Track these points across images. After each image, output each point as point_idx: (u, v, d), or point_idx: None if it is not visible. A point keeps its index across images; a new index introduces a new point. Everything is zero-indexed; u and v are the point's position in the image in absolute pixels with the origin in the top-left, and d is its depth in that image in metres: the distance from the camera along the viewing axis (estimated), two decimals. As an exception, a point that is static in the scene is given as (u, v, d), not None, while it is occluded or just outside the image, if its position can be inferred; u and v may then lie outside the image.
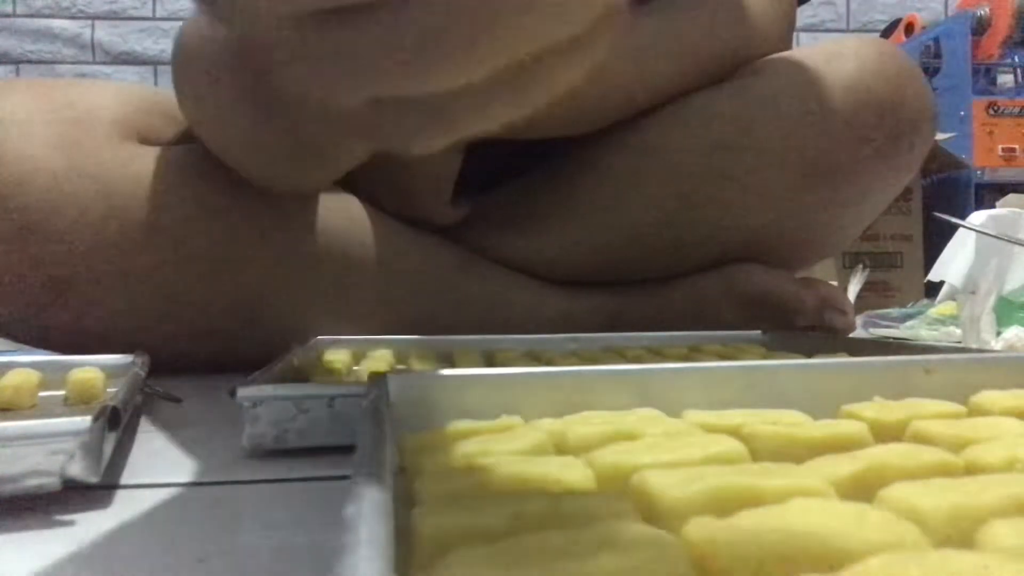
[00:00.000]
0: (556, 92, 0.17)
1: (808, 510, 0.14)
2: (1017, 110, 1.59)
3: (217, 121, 0.48)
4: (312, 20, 0.16)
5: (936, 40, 1.67)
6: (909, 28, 1.79)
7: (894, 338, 0.79)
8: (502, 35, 0.15)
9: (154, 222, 0.50)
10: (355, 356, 0.46)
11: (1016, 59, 1.66)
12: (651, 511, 0.15)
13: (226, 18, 0.18)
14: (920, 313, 0.87)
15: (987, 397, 0.25)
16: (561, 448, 0.21)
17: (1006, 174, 1.56)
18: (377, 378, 0.25)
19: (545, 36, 0.16)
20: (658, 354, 0.47)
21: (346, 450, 0.23)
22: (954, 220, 0.69)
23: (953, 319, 0.78)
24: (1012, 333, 0.62)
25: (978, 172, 1.56)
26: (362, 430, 0.19)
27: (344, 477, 0.19)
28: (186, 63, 0.48)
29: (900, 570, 0.11)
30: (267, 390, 0.29)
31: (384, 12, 0.15)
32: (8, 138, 0.50)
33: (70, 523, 0.22)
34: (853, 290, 0.95)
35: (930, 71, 1.62)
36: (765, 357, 0.47)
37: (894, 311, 0.93)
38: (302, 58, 0.17)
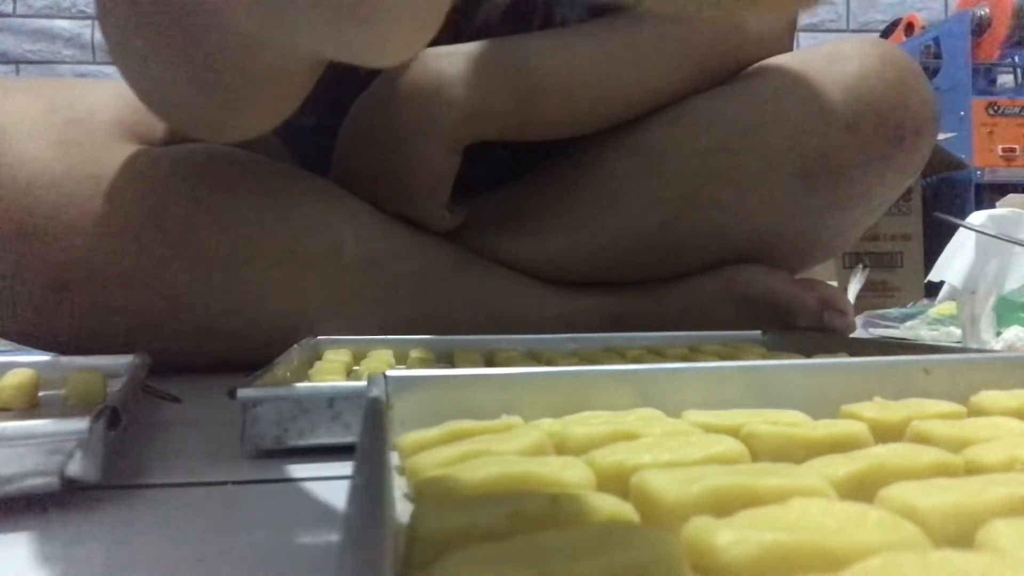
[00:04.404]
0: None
1: (808, 510, 0.14)
2: (1017, 110, 1.58)
3: (138, 67, 0.42)
4: None
5: (936, 40, 1.67)
6: (909, 28, 1.79)
7: (894, 338, 0.79)
8: None
9: (154, 222, 0.50)
10: (355, 356, 0.46)
11: (1016, 59, 1.66)
12: (651, 511, 0.15)
13: None
14: (920, 313, 0.87)
15: (987, 397, 0.25)
16: (561, 448, 0.21)
17: (1006, 174, 1.56)
18: (377, 378, 0.25)
19: None
20: (658, 354, 0.47)
21: (346, 450, 0.23)
22: (954, 220, 0.69)
23: (953, 319, 0.78)
24: (1012, 333, 0.62)
25: (978, 172, 1.55)
26: (362, 430, 0.19)
27: (344, 477, 0.19)
28: (108, 12, 0.41)
29: (900, 570, 0.11)
30: (267, 390, 0.30)
31: None
32: (8, 139, 0.50)
33: (70, 523, 0.22)
34: (853, 290, 0.95)
35: (930, 71, 1.62)
36: (765, 357, 0.47)
37: (894, 311, 0.93)
38: None
